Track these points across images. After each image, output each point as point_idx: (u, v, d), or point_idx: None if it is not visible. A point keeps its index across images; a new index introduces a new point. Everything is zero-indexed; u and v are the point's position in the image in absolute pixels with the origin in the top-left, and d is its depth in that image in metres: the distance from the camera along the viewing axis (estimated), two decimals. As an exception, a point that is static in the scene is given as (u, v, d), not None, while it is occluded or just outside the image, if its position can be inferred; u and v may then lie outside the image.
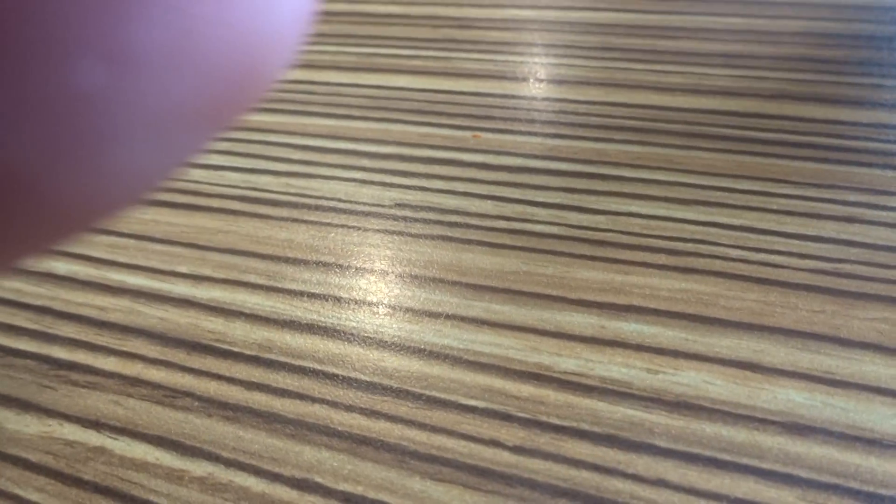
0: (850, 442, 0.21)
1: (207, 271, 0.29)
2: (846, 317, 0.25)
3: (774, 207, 0.29)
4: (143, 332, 0.27)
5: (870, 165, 0.31)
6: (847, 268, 0.26)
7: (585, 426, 0.22)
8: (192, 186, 0.34)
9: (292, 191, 0.33)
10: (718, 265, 0.27)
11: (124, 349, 0.26)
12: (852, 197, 0.29)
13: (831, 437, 0.21)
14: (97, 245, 0.31)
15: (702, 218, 0.29)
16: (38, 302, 0.28)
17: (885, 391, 0.22)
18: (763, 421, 0.22)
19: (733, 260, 0.27)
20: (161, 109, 0.07)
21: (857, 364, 0.23)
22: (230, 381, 0.25)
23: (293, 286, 0.28)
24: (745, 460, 0.21)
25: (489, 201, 0.31)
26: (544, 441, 0.22)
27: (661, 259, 0.27)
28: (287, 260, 0.29)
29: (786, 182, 0.30)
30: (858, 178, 0.30)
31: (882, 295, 0.25)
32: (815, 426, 0.22)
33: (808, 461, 0.21)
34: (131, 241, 0.31)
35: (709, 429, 0.22)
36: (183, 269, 0.29)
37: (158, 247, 0.31)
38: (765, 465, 0.21)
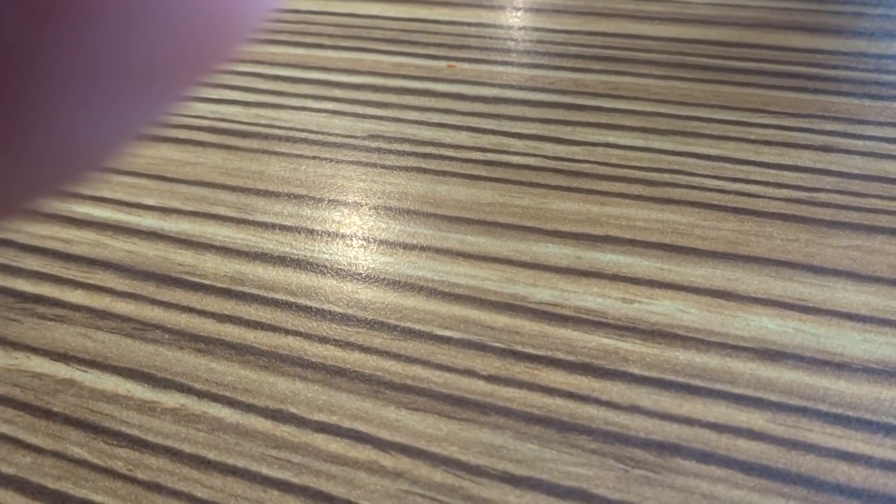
0: (820, 366, 0.21)
1: (176, 203, 0.28)
2: (820, 245, 0.25)
3: (752, 137, 0.29)
4: (110, 265, 0.26)
5: (848, 94, 0.30)
6: (822, 196, 0.26)
7: (560, 355, 0.22)
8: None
9: (262, 122, 0.32)
10: (695, 195, 0.27)
11: (91, 282, 0.26)
12: (829, 126, 0.29)
13: (802, 361, 0.21)
14: (59, 177, 0.30)
15: (679, 148, 0.29)
16: (1, 235, 0.28)
17: (856, 317, 0.22)
18: (735, 347, 0.22)
19: (709, 190, 0.27)
20: (125, 64, 0.06)
21: (829, 291, 0.23)
22: (201, 313, 0.24)
23: (264, 218, 0.27)
24: (717, 386, 0.21)
25: (464, 132, 0.30)
26: (519, 370, 0.22)
27: (638, 189, 0.27)
28: (258, 192, 0.29)
29: (763, 112, 0.30)
30: (836, 108, 0.30)
31: (855, 223, 0.25)
32: (786, 352, 0.22)
33: (778, 385, 0.21)
34: (95, 173, 0.30)
35: (682, 356, 0.22)
36: (150, 201, 0.29)
37: (124, 178, 0.30)
38: (736, 390, 0.21)
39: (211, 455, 0.21)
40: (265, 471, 0.20)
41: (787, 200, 0.26)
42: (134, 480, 0.20)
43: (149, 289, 0.25)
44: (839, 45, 0.33)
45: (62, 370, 0.23)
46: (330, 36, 0.37)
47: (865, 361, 0.21)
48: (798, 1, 0.36)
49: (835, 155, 0.28)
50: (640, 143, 0.29)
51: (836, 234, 0.25)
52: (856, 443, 0.20)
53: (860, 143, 0.28)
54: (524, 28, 0.37)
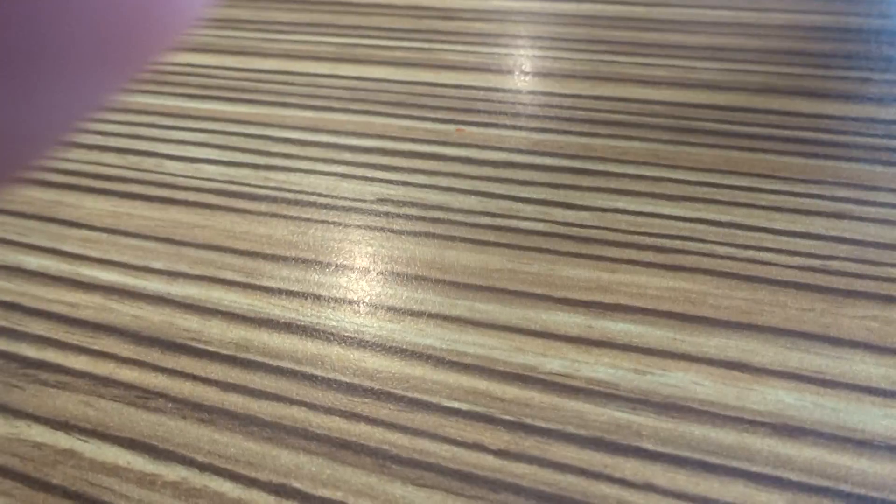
0: (840, 443, 0.21)
1: (183, 267, 0.28)
2: (836, 315, 0.24)
3: (763, 203, 0.29)
4: (115, 330, 0.26)
5: (858, 160, 0.30)
6: (836, 265, 0.26)
7: (571, 429, 0.22)
8: (167, 179, 0.33)
9: (271, 184, 0.32)
10: (706, 263, 0.26)
11: (96, 348, 0.25)
12: (841, 192, 0.29)
13: (821, 438, 0.21)
14: (69, 239, 0.30)
15: (689, 214, 0.29)
16: (7, 298, 0.27)
17: (876, 391, 0.22)
18: (752, 422, 0.21)
19: (721, 257, 0.27)
20: (70, 47, 0.06)
21: (847, 363, 0.23)
22: (206, 381, 0.24)
23: (271, 283, 0.27)
24: (734, 463, 0.20)
25: (473, 197, 0.30)
26: (529, 444, 0.21)
27: (649, 256, 0.27)
28: (265, 256, 0.28)
29: (774, 177, 0.30)
30: (847, 174, 0.30)
31: (871, 292, 0.25)
32: (805, 427, 0.21)
33: (798, 463, 0.20)
34: (104, 236, 0.30)
35: (697, 431, 0.21)
36: (157, 264, 0.28)
37: (132, 241, 0.30)
38: (754, 468, 0.20)
39: (211, 533, 0.20)
40: (266, 550, 0.19)
41: (801, 268, 0.26)
42: (131, 559, 0.19)
43: (153, 355, 0.25)
44: (848, 110, 0.33)
45: (62, 440, 0.23)
46: (339, 99, 0.38)
47: (887, 438, 0.21)
48: (804, 67, 0.36)
49: (847, 222, 0.27)
50: (649, 208, 0.29)
51: (851, 303, 0.24)
52: (881, 527, 0.19)
53: (873, 209, 0.28)
54: (532, 92, 0.37)
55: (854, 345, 0.23)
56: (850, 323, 0.24)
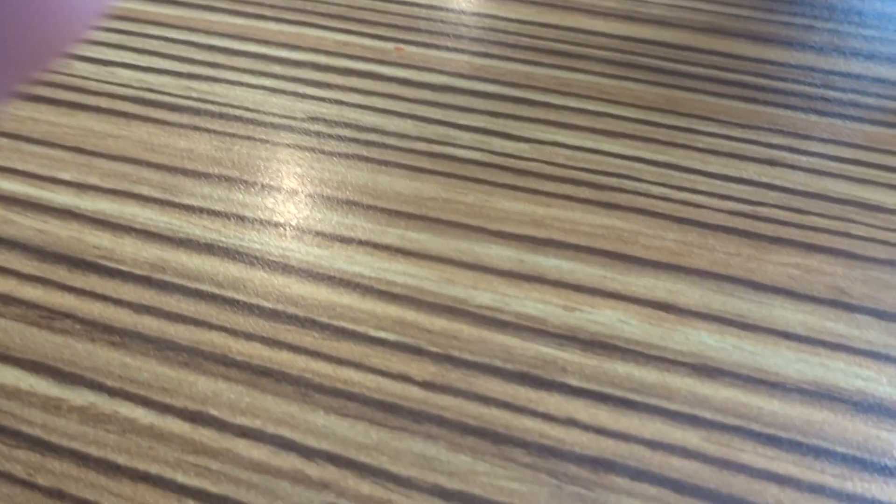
0: (755, 385, 0.21)
1: (94, 180, 0.26)
2: (760, 260, 0.25)
3: (699, 146, 0.29)
4: (17, 245, 0.24)
5: (795, 108, 0.30)
6: (765, 211, 0.26)
7: (498, 363, 0.22)
8: (77, 82, 0.30)
9: (194, 95, 0.30)
10: (641, 202, 0.26)
11: (-5, 263, 0.23)
12: (775, 139, 0.29)
13: (738, 379, 0.21)
14: (-36, 142, 0.27)
15: (627, 152, 0.28)
16: None
17: (792, 336, 0.22)
18: (674, 362, 0.22)
19: (655, 197, 0.27)
20: None
21: (767, 308, 0.23)
22: (117, 302, 0.22)
23: (191, 201, 0.26)
24: (654, 401, 0.21)
25: (410, 121, 0.29)
26: (455, 377, 0.21)
27: (585, 193, 0.27)
28: (185, 172, 0.27)
29: (712, 120, 0.30)
30: (783, 121, 0.30)
31: (796, 240, 0.25)
32: (723, 368, 0.22)
33: (714, 403, 0.21)
34: (5, 141, 0.28)
35: (621, 368, 0.22)
36: (65, 175, 0.26)
37: (37, 149, 0.27)
38: (673, 407, 0.21)
39: (121, 459, 0.19)
40: (181, 478, 0.19)
41: (731, 213, 0.26)
42: (34, 486, 0.19)
43: (60, 273, 0.23)
44: (789, 57, 0.33)
45: (-43, 359, 0.21)
46: (272, 7, 0.35)
47: (799, 382, 0.21)
48: (750, 9, 0.36)
49: (779, 169, 0.28)
50: (588, 143, 0.28)
51: (776, 250, 0.25)
52: (786, 465, 0.20)
53: (804, 158, 0.28)
54: (477, 14, 0.35)
55: (776, 291, 0.24)
56: (774, 269, 0.24)
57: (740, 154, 0.28)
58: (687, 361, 0.22)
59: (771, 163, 0.28)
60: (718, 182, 0.27)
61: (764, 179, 0.27)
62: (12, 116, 0.28)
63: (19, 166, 0.26)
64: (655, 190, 0.27)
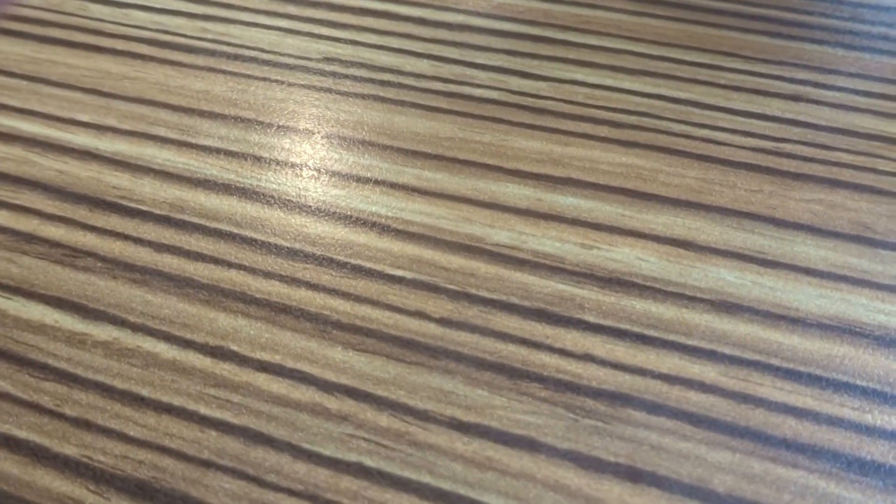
0: (774, 320, 0.21)
1: (112, 121, 0.26)
2: (783, 197, 0.24)
3: (722, 82, 0.28)
4: (38, 185, 0.24)
5: (821, 42, 0.30)
6: (788, 147, 0.26)
7: (515, 300, 0.22)
8: (92, 24, 0.30)
9: (209, 36, 0.30)
10: (661, 140, 0.26)
11: (17, 202, 0.24)
12: (800, 74, 0.28)
13: (757, 315, 0.21)
14: (-17, 86, 0.27)
15: (648, 90, 0.28)
16: (-85, 147, 0.25)
17: (814, 272, 0.22)
18: (692, 298, 0.22)
19: (676, 135, 0.26)
20: None
21: (788, 244, 0.23)
22: (137, 241, 0.23)
23: (209, 142, 0.26)
24: (671, 337, 0.21)
25: (425, 60, 0.29)
26: (472, 314, 0.21)
27: (604, 131, 0.26)
28: (202, 113, 0.27)
29: (735, 56, 0.29)
30: (808, 55, 0.29)
31: (819, 176, 0.25)
32: (742, 304, 0.21)
33: (732, 338, 0.21)
34: (24, 83, 0.28)
35: (639, 305, 0.21)
36: (84, 117, 0.26)
37: (56, 91, 0.27)
38: (690, 342, 0.21)
39: (145, 392, 0.20)
40: (203, 410, 0.19)
41: (754, 150, 0.26)
42: (61, 416, 0.19)
43: (80, 212, 0.23)
44: (816, -11, 0.32)
45: (-16, 297, 0.21)
46: (286, -54, 0.34)
47: (819, 317, 0.21)
48: (778, -60, 0.35)
49: (804, 105, 0.27)
50: (608, 81, 0.28)
51: (799, 186, 0.24)
52: (805, 398, 0.20)
53: (829, 93, 0.27)
54: (494, -49, 0.35)
55: (798, 227, 0.23)
56: (796, 205, 0.24)
57: (764, 90, 0.28)
58: (705, 298, 0.22)
59: (796, 98, 0.27)
60: (741, 118, 0.27)
61: (788, 115, 0.27)
62: (30, 59, 0.28)
63: (38, 108, 0.27)
64: (676, 127, 0.26)
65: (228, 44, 0.29)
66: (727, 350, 0.21)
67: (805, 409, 0.19)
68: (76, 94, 0.27)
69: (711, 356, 0.20)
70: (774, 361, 0.20)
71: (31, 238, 0.23)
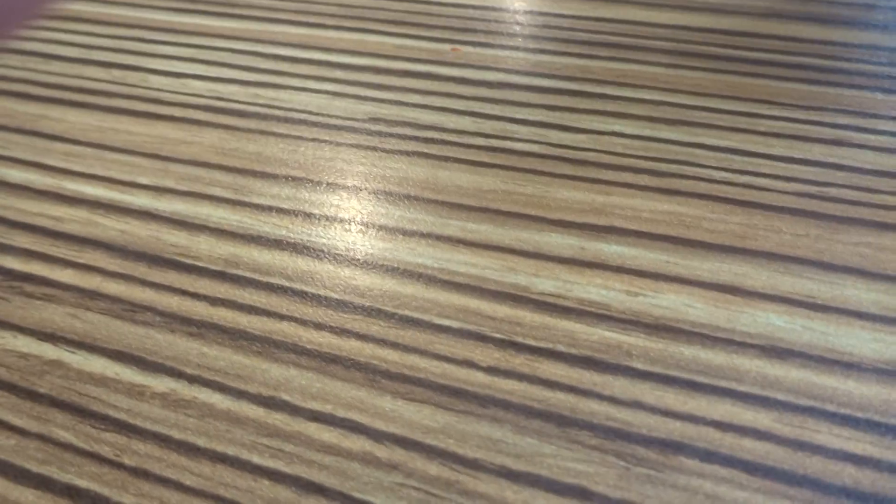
0: (828, 365, 0.21)
1: (170, 183, 0.28)
2: (830, 241, 0.24)
3: (761, 129, 0.28)
4: (101, 244, 0.25)
5: (860, 87, 0.30)
6: (833, 191, 0.26)
7: (562, 347, 0.22)
8: (152, 94, 0.32)
9: (260, 101, 0.31)
10: (702, 187, 0.26)
11: (82, 261, 0.25)
12: (841, 119, 0.28)
13: (810, 360, 0.21)
14: (52, 153, 0.29)
15: (687, 139, 0.28)
16: (-11, 212, 0.27)
17: (866, 315, 0.22)
18: (742, 344, 0.21)
19: (718, 182, 0.26)
20: None
21: (839, 288, 0.23)
22: (194, 296, 0.24)
23: (261, 201, 0.27)
24: (722, 383, 0.21)
25: (467, 117, 0.30)
26: (519, 362, 0.21)
27: (644, 180, 0.26)
28: (255, 173, 0.28)
29: (774, 103, 0.29)
30: (848, 101, 0.29)
31: (866, 219, 0.25)
32: (793, 350, 0.21)
33: (785, 384, 0.20)
34: (89, 150, 0.29)
35: (687, 351, 0.21)
36: (144, 180, 0.28)
37: (118, 156, 0.29)
38: (742, 388, 0.20)
39: (200, 442, 0.20)
40: (256, 459, 0.20)
41: (797, 194, 0.26)
42: (120, 466, 0.20)
43: (140, 269, 0.24)
44: (852, 37, 0.32)
45: (49, 351, 0.22)
46: (332, 16, 0.36)
47: (875, 361, 0.21)
48: (811, -9, 0.35)
49: (846, 149, 0.27)
50: (646, 132, 0.28)
51: (846, 230, 0.24)
52: (864, 445, 0.19)
53: (872, 137, 0.27)
54: (530, 12, 0.36)
55: (847, 270, 0.23)
56: (844, 249, 0.24)
57: (804, 136, 0.28)
58: (755, 343, 0.21)
59: (837, 143, 0.27)
60: (783, 164, 0.27)
61: (830, 160, 0.27)
62: (95, 127, 0.30)
63: (102, 173, 0.28)
64: (717, 174, 0.26)
65: (279, 108, 0.31)
66: (780, 396, 0.20)
67: (865, 456, 0.19)
68: (137, 158, 0.29)
69: (764, 402, 0.20)
70: (830, 407, 0.20)
71: (94, 294, 0.24)
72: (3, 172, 0.28)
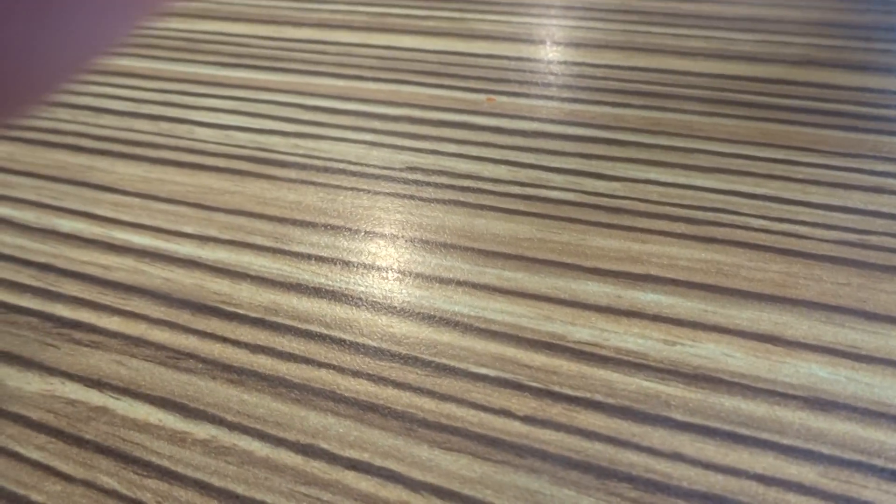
0: (874, 418, 0.20)
1: (213, 232, 0.28)
2: (872, 290, 0.24)
3: (799, 177, 0.28)
4: (147, 292, 0.26)
5: (900, 135, 0.29)
6: (874, 239, 0.25)
7: (599, 397, 0.22)
8: (198, 146, 0.33)
9: (301, 152, 0.32)
10: (740, 235, 0.26)
11: (128, 309, 0.26)
12: (880, 166, 0.28)
13: (855, 412, 0.20)
14: (101, 203, 0.30)
15: (723, 186, 0.28)
16: (42, 259, 0.28)
17: (913, 367, 0.21)
18: (784, 395, 0.21)
19: (755, 230, 0.26)
20: None
21: (883, 338, 0.22)
22: (235, 343, 0.24)
23: (301, 249, 0.27)
24: (764, 435, 0.20)
25: (503, 166, 0.30)
26: (556, 412, 0.21)
27: (680, 228, 0.26)
28: (295, 222, 0.29)
29: (811, 150, 0.29)
30: (887, 147, 0.29)
31: (910, 268, 0.24)
32: (838, 401, 0.21)
33: (830, 437, 0.20)
34: (136, 200, 0.30)
35: (727, 402, 0.21)
36: (188, 229, 0.29)
37: (164, 206, 0.30)
38: (785, 441, 0.20)
39: (240, 489, 0.20)
40: (294, 508, 0.20)
41: (838, 243, 0.25)
42: (162, 513, 0.20)
43: (184, 317, 0.25)
44: (889, 83, 0.32)
45: (95, 397, 0.23)
46: (370, 68, 0.37)
47: (923, 414, 0.20)
48: (845, 39, 0.35)
49: (887, 196, 0.27)
50: (682, 180, 0.28)
51: (889, 278, 0.24)
52: (914, 502, 0.18)
53: (914, 184, 0.27)
54: (564, 63, 0.36)
55: (891, 320, 0.23)
56: (888, 298, 0.23)
57: (843, 183, 0.28)
58: (798, 395, 0.21)
59: (877, 190, 0.27)
60: (821, 212, 0.26)
61: (871, 207, 0.26)
62: (142, 178, 0.31)
63: (148, 222, 0.29)
64: (755, 222, 0.26)
65: (318, 157, 0.32)
66: (825, 450, 0.20)
67: (916, 513, 0.18)
68: (182, 208, 0.30)
69: (809, 456, 0.20)
70: (878, 462, 0.19)
71: (139, 342, 0.24)
72: (55, 222, 0.30)
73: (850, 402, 0.21)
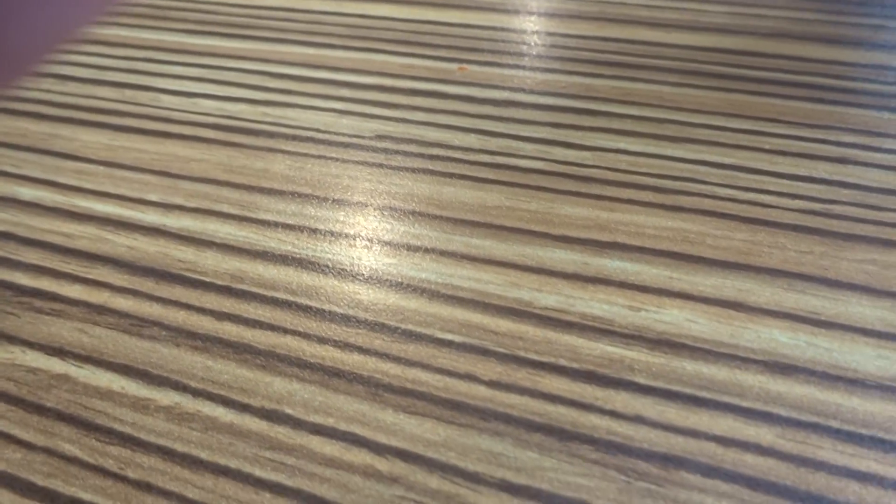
0: (832, 382, 0.21)
1: (179, 200, 0.28)
2: (835, 258, 0.24)
3: (766, 147, 0.28)
4: (110, 261, 0.26)
5: (866, 107, 0.30)
6: (838, 209, 0.26)
7: (564, 362, 0.22)
8: (163, 113, 0.33)
9: (268, 120, 0.32)
10: (706, 204, 0.26)
11: (90, 277, 0.25)
12: (846, 138, 0.28)
13: (813, 376, 0.21)
14: (63, 171, 0.30)
15: (691, 156, 0.28)
16: (2, 227, 0.27)
17: (871, 332, 0.22)
18: (745, 360, 0.21)
19: (721, 199, 0.26)
20: None
21: (843, 305, 0.23)
22: (200, 310, 0.24)
23: (267, 217, 0.27)
24: (724, 398, 0.20)
25: (473, 135, 0.30)
26: (521, 376, 0.21)
27: (648, 196, 0.27)
28: (262, 190, 0.28)
29: (779, 121, 0.29)
30: (853, 119, 0.29)
31: (871, 236, 0.24)
32: (797, 365, 0.21)
33: (788, 400, 0.20)
34: (100, 168, 0.30)
35: (689, 367, 0.21)
36: (153, 197, 0.28)
37: (128, 174, 0.29)
38: (745, 404, 0.20)
39: (203, 455, 0.20)
40: (258, 472, 0.20)
41: (802, 212, 0.26)
42: (124, 479, 0.20)
43: (148, 285, 0.25)
44: (859, 57, 0.32)
45: (57, 365, 0.23)
46: (340, 36, 0.37)
47: (880, 378, 0.21)
48: (817, 12, 0.36)
49: (852, 167, 0.27)
50: (651, 149, 0.29)
51: (851, 247, 0.24)
52: (868, 462, 0.19)
53: (878, 155, 0.27)
54: (536, 32, 0.36)
55: (852, 287, 0.23)
56: (849, 266, 0.24)
57: (810, 153, 0.28)
58: (758, 359, 0.21)
59: (843, 161, 0.27)
60: (787, 182, 0.27)
61: (836, 178, 0.27)
62: (106, 146, 0.31)
63: (112, 190, 0.29)
64: (721, 191, 0.27)
65: (286, 126, 0.31)
66: (783, 412, 0.20)
67: (869, 473, 0.19)
68: (146, 176, 0.29)
69: (767, 418, 0.20)
70: (834, 424, 0.20)
71: (102, 309, 0.24)
72: (15, 190, 0.29)
73: (809, 366, 0.21)
